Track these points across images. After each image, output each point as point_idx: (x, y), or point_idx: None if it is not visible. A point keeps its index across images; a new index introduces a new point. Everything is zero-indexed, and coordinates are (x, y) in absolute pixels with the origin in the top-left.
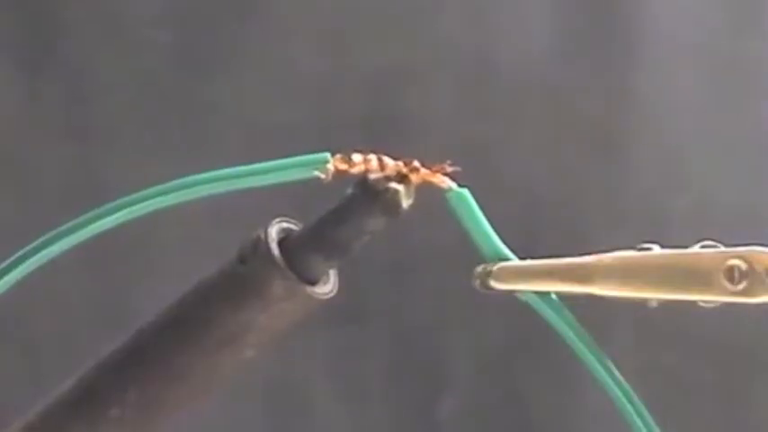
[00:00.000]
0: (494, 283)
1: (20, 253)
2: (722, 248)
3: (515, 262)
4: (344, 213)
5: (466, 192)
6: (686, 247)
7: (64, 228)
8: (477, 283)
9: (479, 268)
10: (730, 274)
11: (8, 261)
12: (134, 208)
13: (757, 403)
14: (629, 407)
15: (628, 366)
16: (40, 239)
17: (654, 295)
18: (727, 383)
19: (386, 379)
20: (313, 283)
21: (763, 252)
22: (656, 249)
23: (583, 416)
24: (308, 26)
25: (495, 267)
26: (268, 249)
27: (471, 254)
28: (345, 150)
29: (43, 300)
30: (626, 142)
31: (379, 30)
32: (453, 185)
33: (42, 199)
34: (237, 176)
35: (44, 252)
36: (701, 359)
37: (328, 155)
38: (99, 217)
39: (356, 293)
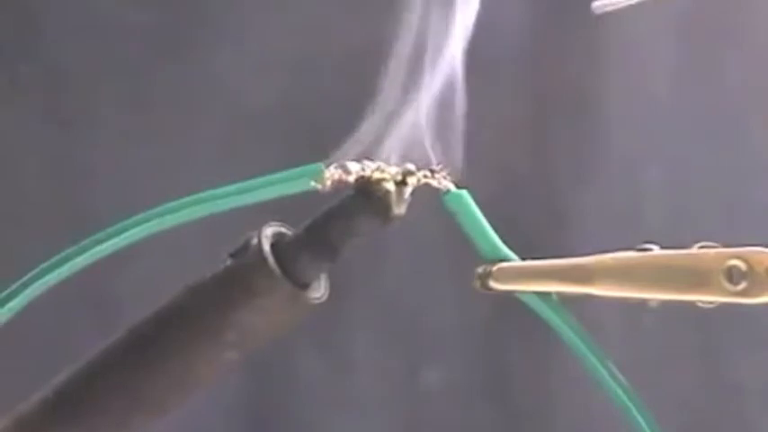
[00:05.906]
0: (494, 284)
1: (24, 278)
2: (722, 249)
3: (515, 262)
4: (336, 213)
5: (464, 193)
6: (685, 246)
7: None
8: (477, 283)
9: (479, 269)
10: (730, 274)
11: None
12: (129, 233)
13: (733, 363)
14: (633, 411)
15: (607, 327)
16: (42, 265)
17: (654, 295)
18: (702, 344)
19: (371, 349)
20: (302, 285)
21: (763, 252)
22: (656, 249)
23: (567, 385)
24: (290, 7)
25: (495, 268)
26: (258, 244)
27: (455, 226)
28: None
29: None
30: (598, 109)
31: (356, 8)
32: (451, 187)
33: (24, 186)
34: (234, 194)
35: (47, 277)
36: (678, 320)
37: (322, 165)
38: (97, 242)
39: (341, 263)
